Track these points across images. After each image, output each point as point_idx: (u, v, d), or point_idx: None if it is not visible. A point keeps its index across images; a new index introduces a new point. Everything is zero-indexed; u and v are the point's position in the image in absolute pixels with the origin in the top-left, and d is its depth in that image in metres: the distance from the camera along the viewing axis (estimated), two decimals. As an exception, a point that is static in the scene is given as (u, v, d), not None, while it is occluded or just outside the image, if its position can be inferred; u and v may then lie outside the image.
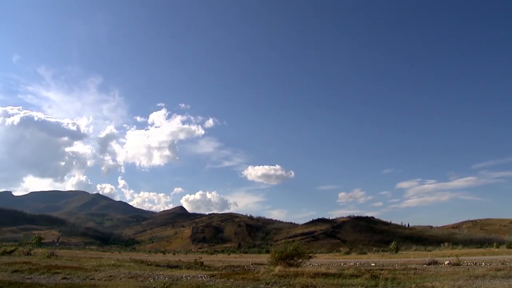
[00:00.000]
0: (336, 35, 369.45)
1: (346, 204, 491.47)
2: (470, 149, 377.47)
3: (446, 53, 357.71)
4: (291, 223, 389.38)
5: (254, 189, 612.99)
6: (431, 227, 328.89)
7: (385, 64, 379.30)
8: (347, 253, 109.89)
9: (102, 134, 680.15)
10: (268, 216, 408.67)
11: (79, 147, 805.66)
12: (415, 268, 30.48)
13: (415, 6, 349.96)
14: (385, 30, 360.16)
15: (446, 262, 36.43)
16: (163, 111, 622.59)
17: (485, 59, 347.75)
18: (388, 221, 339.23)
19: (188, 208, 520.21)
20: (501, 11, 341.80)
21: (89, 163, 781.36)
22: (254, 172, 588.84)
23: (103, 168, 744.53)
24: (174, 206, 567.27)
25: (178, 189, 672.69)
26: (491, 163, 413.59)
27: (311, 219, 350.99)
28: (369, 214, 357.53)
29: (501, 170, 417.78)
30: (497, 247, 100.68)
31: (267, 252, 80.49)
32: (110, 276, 24.20)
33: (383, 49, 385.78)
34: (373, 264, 41.97)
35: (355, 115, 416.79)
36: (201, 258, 64.54)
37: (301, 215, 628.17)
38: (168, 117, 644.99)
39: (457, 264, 33.73)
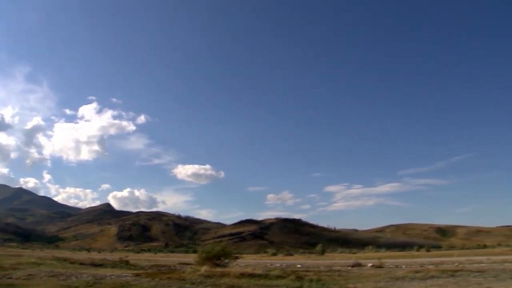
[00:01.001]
0: (265, 34, 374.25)
1: (274, 205, 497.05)
2: (396, 156, 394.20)
3: (376, 55, 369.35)
4: (219, 223, 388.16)
5: (183, 188, 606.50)
6: (356, 230, 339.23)
7: (317, 65, 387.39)
8: (274, 254, 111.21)
9: (28, 126, 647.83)
10: (196, 216, 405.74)
11: (2, 138, 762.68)
12: (340, 270, 31.16)
13: (351, 2, 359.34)
14: (315, 29, 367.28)
15: (370, 265, 37.55)
16: (94, 104, 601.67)
17: (418, 62, 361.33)
18: (315, 223, 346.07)
19: (116, 205, 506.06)
20: (424, 12, 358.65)
21: (12, 155, 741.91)
22: (184, 171, 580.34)
23: (27, 161, 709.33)
24: (101, 203, 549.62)
25: (105, 186, 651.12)
26: (415, 171, 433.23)
27: (239, 220, 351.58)
28: (297, 216, 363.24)
29: (424, 177, 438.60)
30: (417, 250, 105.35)
31: (195, 252, 79.91)
32: (30, 275, 22.93)
33: (315, 49, 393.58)
34: (299, 266, 42.59)
35: (287, 117, 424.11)
36: (127, 256, 63.12)
37: (229, 216, 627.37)
38: (99, 111, 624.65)
39: (380, 267, 34.78)
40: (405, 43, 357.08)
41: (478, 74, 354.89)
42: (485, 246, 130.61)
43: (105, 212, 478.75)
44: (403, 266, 34.41)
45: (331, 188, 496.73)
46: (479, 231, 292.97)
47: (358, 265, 38.26)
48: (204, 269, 24.96)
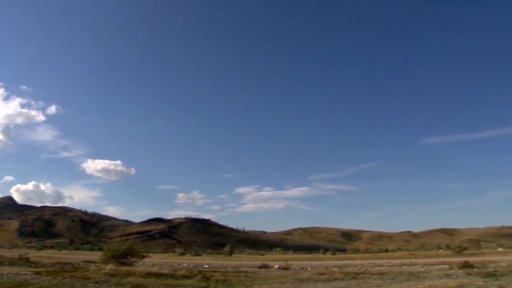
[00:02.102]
0: (184, 32, 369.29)
1: (184, 205, 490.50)
2: (307, 161, 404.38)
3: (291, 55, 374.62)
4: (127, 221, 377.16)
5: (92, 183, 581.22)
6: (265, 232, 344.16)
7: (231, 65, 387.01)
8: (182, 254, 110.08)
9: None
10: (104, 212, 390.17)
11: None
12: (247, 271, 31.19)
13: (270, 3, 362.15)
14: (229, 28, 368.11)
15: (276, 266, 37.97)
16: (1, 91, 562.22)
17: (336, 66, 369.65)
18: (225, 224, 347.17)
19: (18, 199, 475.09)
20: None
21: None
22: (93, 165, 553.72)
23: None
24: (2, 196, 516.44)
25: (8, 178, 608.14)
26: (324, 176, 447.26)
27: (148, 218, 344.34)
28: (206, 217, 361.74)
29: (333, 183, 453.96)
30: (323, 253, 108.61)
31: (101, 249, 76.99)
32: None
33: (231, 49, 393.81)
34: (206, 266, 42.26)
35: (201, 117, 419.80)
36: (27, 253, 59.65)
37: (138, 214, 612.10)
38: (6, 98, 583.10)
39: (286, 268, 35.24)
40: (320, 45, 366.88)
41: (384, 85, 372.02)
42: (386, 250, 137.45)
43: (6, 206, 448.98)
44: (309, 268, 35.10)
45: (241, 190, 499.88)
46: (382, 236, 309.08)
47: (265, 266, 38.55)
48: (109, 267, 23.96)
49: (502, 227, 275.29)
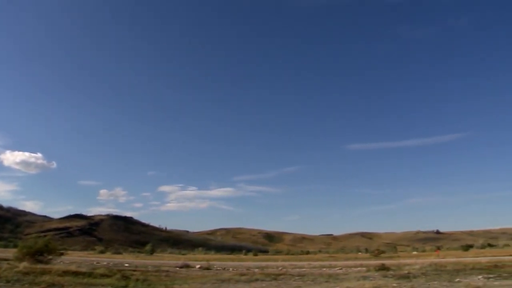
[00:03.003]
0: (115, 28, 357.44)
1: (106, 201, 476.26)
2: (233, 162, 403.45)
3: (222, 55, 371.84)
4: (45, 216, 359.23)
5: (9, 176, 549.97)
6: (188, 231, 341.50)
7: (159, 62, 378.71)
8: (102, 252, 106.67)
9: None
10: (21, 207, 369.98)
11: None
12: (168, 271, 30.69)
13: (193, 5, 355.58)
14: (163, 27, 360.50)
15: (198, 266, 37.69)
16: None
17: (269, 66, 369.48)
18: (147, 222, 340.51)
19: None
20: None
21: None
22: (12, 157, 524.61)
23: None
24: None
25: None
26: (249, 177, 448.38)
27: (68, 214, 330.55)
28: (128, 214, 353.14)
29: (257, 184, 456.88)
30: (245, 254, 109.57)
31: (16, 246, 73.00)
32: None
33: (161, 46, 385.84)
34: (126, 265, 41.14)
35: (126, 113, 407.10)
36: None
37: (58, 209, 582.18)
38: None
39: (208, 268, 35.06)
40: (248, 45, 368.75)
41: (312, 89, 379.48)
42: (307, 253, 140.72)
43: None
44: (231, 269, 35.13)
45: (165, 188, 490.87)
46: (303, 238, 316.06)
47: (187, 266, 38.16)
48: (23, 265, 22.60)
49: (418, 232, 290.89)
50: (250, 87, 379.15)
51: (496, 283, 18.11)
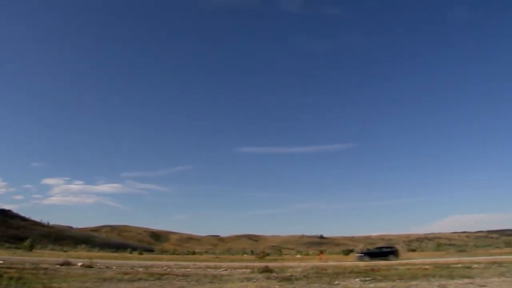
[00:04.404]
0: (6, 24, 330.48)
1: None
2: (121, 157, 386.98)
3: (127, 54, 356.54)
4: None
5: None
6: (71, 227, 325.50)
7: (53, 58, 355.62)
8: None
9: None
10: None
11: None
12: (47, 268, 29.28)
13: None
14: (61, 26, 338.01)
15: (80, 264, 36.36)
16: None
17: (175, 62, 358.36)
18: (28, 216, 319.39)
19: None
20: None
21: None
22: None
23: None
24: None
25: None
26: (139, 174, 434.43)
27: None
28: (7, 207, 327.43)
29: (146, 182, 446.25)
30: (131, 252, 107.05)
31: None
32: None
33: (55, 42, 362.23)
34: (1, 262, 38.61)
35: (12, 103, 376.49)
36: None
37: None
38: None
39: (90, 266, 33.97)
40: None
41: (206, 89, 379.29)
42: (194, 253, 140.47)
43: None
44: (114, 267, 34.33)
45: (50, 181, 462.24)
46: (190, 238, 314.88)
47: (68, 263, 36.62)
48: None
49: (302, 236, 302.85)
50: (145, 82, 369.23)
51: (371, 285, 19.47)
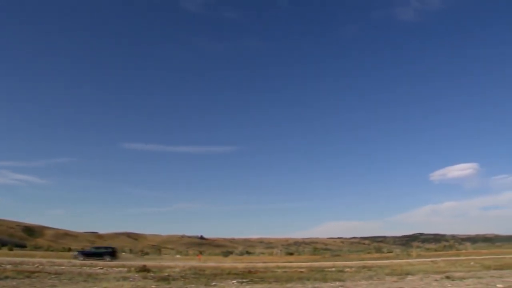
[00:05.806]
0: None
1: None
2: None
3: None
4: None
5: None
6: None
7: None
8: None
9: None
10: None
11: None
12: None
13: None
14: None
15: None
16: None
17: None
18: None
19: None
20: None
21: None
22: None
23: None
24: None
25: None
26: (14, 164, 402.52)
27: None
28: None
29: (23, 173, 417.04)
30: (0, 248, 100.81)
31: None
32: None
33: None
34: None
35: None
36: None
37: None
38: None
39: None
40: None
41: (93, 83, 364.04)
42: (69, 250, 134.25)
43: None
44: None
45: None
46: (67, 234, 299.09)
47: None
48: None
49: (183, 236, 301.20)
50: (35, 75, 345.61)
51: (247, 287, 20.13)
